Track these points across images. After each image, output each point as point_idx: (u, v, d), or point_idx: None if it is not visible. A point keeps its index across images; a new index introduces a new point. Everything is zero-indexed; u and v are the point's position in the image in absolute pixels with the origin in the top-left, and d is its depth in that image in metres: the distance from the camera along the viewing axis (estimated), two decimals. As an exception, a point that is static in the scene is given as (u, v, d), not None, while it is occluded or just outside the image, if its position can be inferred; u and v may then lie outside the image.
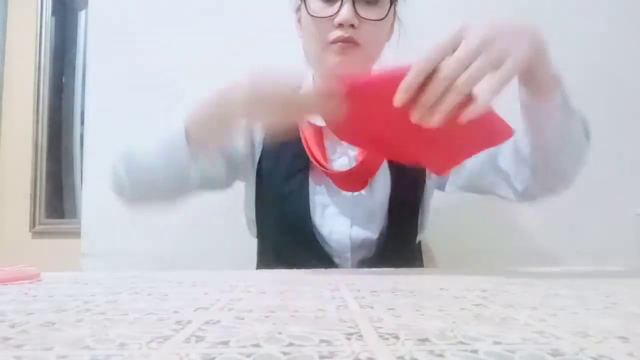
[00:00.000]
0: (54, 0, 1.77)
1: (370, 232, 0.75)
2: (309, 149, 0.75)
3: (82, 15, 1.78)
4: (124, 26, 1.11)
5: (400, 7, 0.77)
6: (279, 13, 0.83)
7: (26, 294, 0.40)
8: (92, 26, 1.15)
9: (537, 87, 0.56)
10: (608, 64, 1.06)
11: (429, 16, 1.04)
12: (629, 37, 1.06)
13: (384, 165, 0.76)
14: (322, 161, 0.74)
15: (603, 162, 1.04)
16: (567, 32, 1.06)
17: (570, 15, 1.06)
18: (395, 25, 0.80)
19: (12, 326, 0.26)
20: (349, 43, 0.70)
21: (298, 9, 0.76)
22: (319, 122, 0.76)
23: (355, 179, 0.75)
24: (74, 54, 1.79)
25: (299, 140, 0.76)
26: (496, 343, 0.21)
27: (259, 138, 0.82)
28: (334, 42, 0.70)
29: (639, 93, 1.05)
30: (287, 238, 0.76)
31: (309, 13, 0.72)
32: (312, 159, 0.75)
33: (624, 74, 1.06)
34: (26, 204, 1.72)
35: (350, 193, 0.75)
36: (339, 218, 0.75)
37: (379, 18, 0.70)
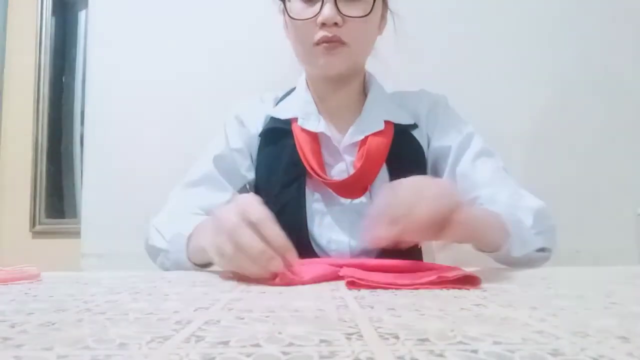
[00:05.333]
0: (54, 0, 1.77)
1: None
2: (305, 157, 0.73)
3: (82, 15, 1.78)
4: (124, 26, 1.11)
5: None
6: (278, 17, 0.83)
7: (26, 294, 0.39)
8: (92, 26, 1.15)
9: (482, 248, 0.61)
10: (608, 64, 1.06)
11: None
12: (629, 37, 1.06)
13: (384, 170, 0.74)
14: (318, 170, 0.72)
15: (603, 162, 1.04)
16: (567, 32, 1.06)
17: (570, 15, 1.06)
18: (389, 17, 0.79)
19: (12, 326, 0.26)
20: (334, 42, 0.69)
21: (283, 12, 0.75)
22: (313, 128, 0.76)
23: (353, 187, 0.72)
24: (74, 54, 1.79)
25: (294, 148, 0.74)
26: (496, 343, 0.21)
27: (254, 131, 0.81)
28: (319, 42, 0.69)
29: (639, 93, 1.06)
30: None
31: (290, 16, 0.71)
32: (308, 169, 0.73)
33: (624, 74, 1.06)
34: (26, 204, 1.72)
35: (349, 200, 0.73)
36: (337, 227, 0.73)
37: (363, 14, 0.69)
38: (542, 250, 0.67)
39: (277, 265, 0.44)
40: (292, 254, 0.46)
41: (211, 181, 0.76)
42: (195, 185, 0.76)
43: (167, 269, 0.67)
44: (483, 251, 0.61)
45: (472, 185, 0.73)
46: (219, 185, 0.76)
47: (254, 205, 0.47)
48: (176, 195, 0.76)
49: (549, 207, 0.70)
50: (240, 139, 0.81)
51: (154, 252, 0.70)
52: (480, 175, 0.73)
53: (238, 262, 0.46)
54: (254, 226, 0.45)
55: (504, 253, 0.60)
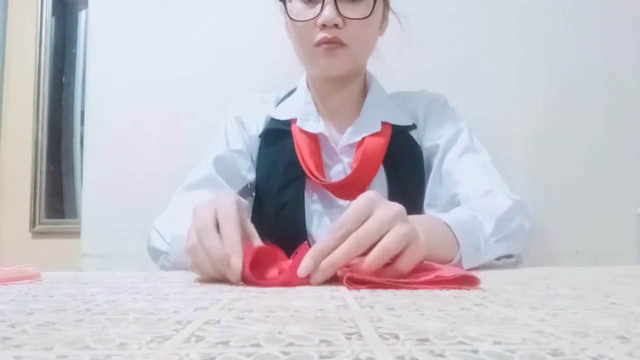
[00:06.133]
0: (54, 0, 1.77)
1: None
2: (303, 158, 0.73)
3: (82, 15, 1.78)
4: (124, 26, 1.11)
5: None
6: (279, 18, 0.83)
7: (26, 294, 0.39)
8: (92, 26, 1.15)
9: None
10: (608, 64, 1.06)
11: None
12: (629, 37, 1.06)
13: (381, 171, 0.74)
14: (315, 172, 0.72)
15: (603, 162, 1.04)
16: (567, 32, 1.06)
17: (570, 16, 1.06)
18: (392, 18, 0.79)
19: (12, 326, 0.26)
20: (334, 44, 0.69)
21: (284, 12, 0.75)
22: (312, 129, 0.76)
23: (350, 188, 0.72)
24: (74, 54, 1.79)
25: (293, 148, 0.75)
26: (496, 343, 0.21)
27: (254, 131, 0.81)
28: (320, 43, 0.69)
29: (639, 93, 1.05)
30: (283, 248, 0.73)
31: (290, 17, 0.71)
32: (305, 170, 0.73)
33: (624, 74, 1.06)
34: (26, 204, 1.72)
35: (347, 201, 0.73)
36: None
37: (363, 16, 0.69)
38: (508, 256, 0.65)
39: (234, 273, 0.43)
40: (235, 258, 0.43)
41: (212, 183, 0.76)
42: (196, 187, 0.76)
43: (168, 271, 0.67)
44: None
45: (454, 183, 0.73)
46: (219, 187, 0.76)
47: (225, 206, 0.46)
48: (177, 198, 0.76)
49: (522, 205, 0.69)
50: (241, 140, 0.81)
51: (155, 254, 0.70)
52: (462, 173, 0.73)
53: (200, 263, 0.46)
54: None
55: (455, 264, 0.58)
